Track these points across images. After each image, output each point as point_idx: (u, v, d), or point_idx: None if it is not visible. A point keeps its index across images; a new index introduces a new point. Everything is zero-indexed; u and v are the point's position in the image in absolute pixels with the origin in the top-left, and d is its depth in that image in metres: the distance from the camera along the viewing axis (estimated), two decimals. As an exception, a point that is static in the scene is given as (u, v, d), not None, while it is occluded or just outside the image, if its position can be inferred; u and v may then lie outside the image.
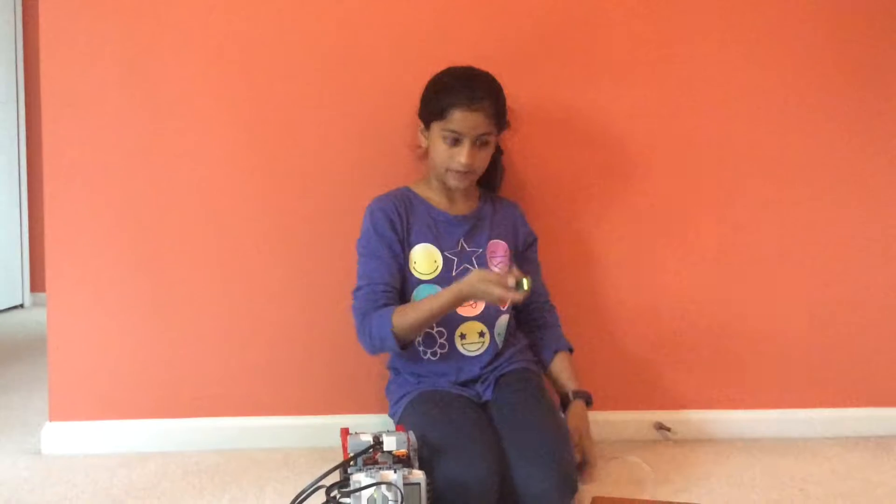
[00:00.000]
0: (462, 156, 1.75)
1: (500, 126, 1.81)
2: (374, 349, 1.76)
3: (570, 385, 1.88)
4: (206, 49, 1.98)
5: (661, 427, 2.10)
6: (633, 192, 2.11)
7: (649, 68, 2.08)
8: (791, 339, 2.17)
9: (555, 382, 1.91)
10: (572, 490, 1.63)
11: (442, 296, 1.70)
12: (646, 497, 1.63)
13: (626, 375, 2.14)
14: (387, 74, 2.01)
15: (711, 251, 2.13)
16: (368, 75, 2.01)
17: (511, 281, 1.60)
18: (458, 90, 1.74)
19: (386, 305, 1.75)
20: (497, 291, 1.61)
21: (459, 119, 1.73)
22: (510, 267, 1.78)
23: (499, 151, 1.92)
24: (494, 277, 1.62)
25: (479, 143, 1.77)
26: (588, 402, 1.86)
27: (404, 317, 1.71)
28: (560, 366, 1.91)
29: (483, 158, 1.80)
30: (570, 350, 1.96)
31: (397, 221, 1.82)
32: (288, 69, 2.00)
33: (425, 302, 1.72)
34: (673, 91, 2.10)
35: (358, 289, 1.80)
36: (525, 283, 1.60)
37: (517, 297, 1.61)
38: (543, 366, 1.93)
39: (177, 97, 1.98)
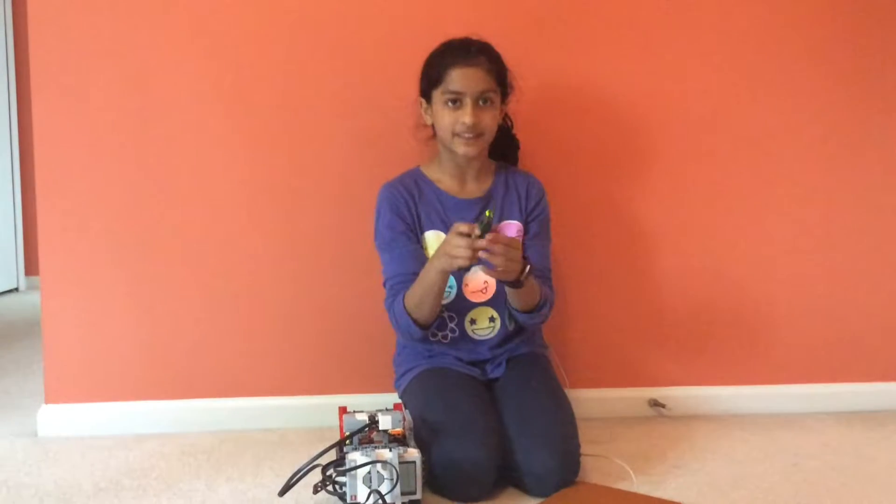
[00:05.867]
0: (466, 115, 1.71)
1: (501, 86, 1.78)
2: (409, 336, 1.77)
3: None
4: (199, 31, 1.96)
5: (655, 404, 2.11)
6: (631, 175, 2.10)
7: (654, 33, 2.07)
8: (785, 315, 2.17)
9: None
10: (574, 471, 1.64)
11: (427, 269, 1.69)
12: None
13: (621, 353, 2.14)
14: (387, 58, 2.00)
15: (706, 229, 2.13)
16: (368, 61, 2.00)
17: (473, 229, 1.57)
18: (453, 50, 1.75)
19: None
20: (452, 244, 1.57)
21: (458, 77, 1.72)
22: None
23: (509, 122, 1.91)
24: (452, 234, 1.58)
25: (481, 101, 1.73)
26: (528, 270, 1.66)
27: (411, 296, 1.72)
28: None
29: (489, 120, 1.75)
30: (542, 301, 1.77)
31: (406, 211, 1.80)
32: (283, 55, 1.99)
33: (421, 275, 1.71)
34: (682, 59, 2.09)
35: (385, 284, 1.81)
36: (486, 213, 1.57)
37: (480, 242, 1.54)
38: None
39: (168, 82, 1.97)
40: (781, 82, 2.12)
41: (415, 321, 1.73)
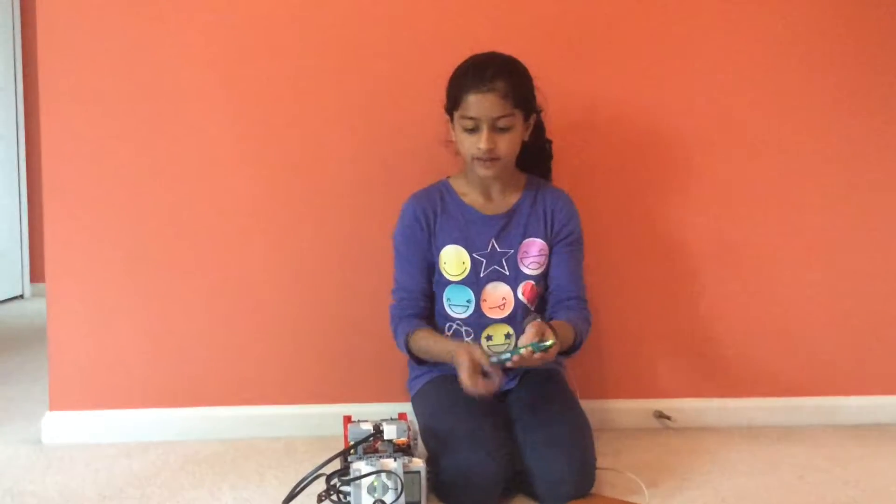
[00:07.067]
0: (481, 141, 1.69)
1: (522, 107, 1.73)
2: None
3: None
4: (210, 36, 1.97)
5: (661, 415, 2.10)
6: (638, 187, 2.10)
7: (684, 51, 2.08)
8: (792, 328, 2.16)
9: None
10: (590, 481, 1.63)
11: (445, 350, 1.69)
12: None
13: (626, 364, 2.13)
14: (405, 71, 2.01)
15: (712, 238, 2.12)
16: (384, 70, 2.01)
17: (491, 370, 1.57)
18: (469, 75, 1.71)
19: (415, 315, 1.81)
20: (463, 376, 1.58)
21: (473, 104, 1.69)
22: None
23: (545, 137, 1.89)
24: (469, 364, 1.56)
25: (498, 127, 1.70)
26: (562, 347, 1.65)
27: (417, 343, 1.77)
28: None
29: (507, 144, 1.72)
30: (577, 342, 1.75)
31: (425, 225, 1.81)
32: (295, 61, 1.99)
33: (437, 344, 1.74)
34: (701, 77, 2.09)
35: (394, 292, 1.85)
36: (549, 341, 1.54)
37: (487, 390, 1.57)
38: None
39: (177, 86, 1.97)
40: (809, 96, 2.11)
41: (412, 356, 1.80)
